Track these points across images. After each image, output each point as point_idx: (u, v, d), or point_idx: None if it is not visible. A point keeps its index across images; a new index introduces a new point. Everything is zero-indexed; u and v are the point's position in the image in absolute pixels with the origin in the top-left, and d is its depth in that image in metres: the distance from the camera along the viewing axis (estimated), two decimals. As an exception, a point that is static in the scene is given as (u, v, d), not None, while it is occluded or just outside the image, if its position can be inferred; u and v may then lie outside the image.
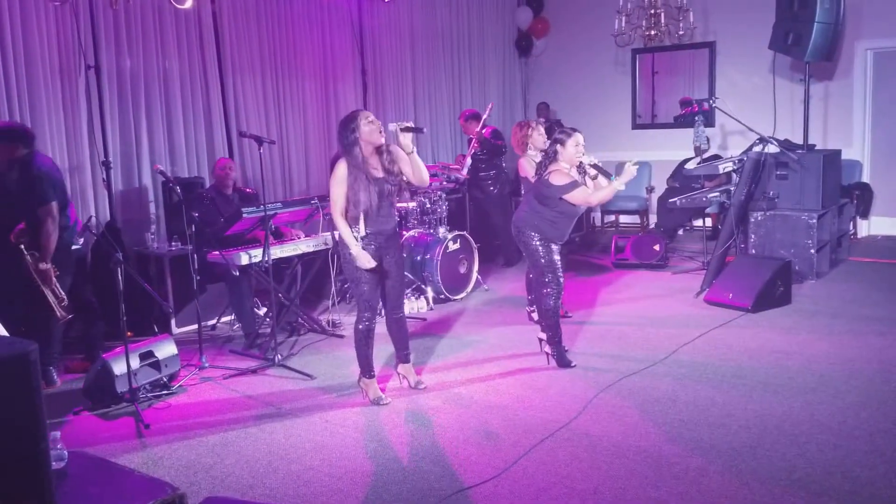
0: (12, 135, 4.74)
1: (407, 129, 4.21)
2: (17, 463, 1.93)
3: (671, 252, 8.13)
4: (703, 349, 5.12)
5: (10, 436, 1.91)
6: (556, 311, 4.87)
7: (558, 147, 4.74)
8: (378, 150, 4.24)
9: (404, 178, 4.32)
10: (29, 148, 4.74)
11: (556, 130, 4.85)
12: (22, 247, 4.66)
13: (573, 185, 4.67)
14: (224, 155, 6.95)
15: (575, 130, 4.82)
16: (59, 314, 4.70)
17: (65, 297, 4.74)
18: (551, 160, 4.77)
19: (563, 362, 4.87)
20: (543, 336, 5.00)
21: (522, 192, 5.90)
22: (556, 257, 4.82)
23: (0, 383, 1.89)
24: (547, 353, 4.93)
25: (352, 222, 4.22)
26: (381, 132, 4.20)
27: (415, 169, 4.26)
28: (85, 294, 5.21)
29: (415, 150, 4.25)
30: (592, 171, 4.83)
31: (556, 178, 4.69)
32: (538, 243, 4.79)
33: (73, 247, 5.03)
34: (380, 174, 4.23)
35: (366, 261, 4.18)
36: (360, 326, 4.38)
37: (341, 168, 4.19)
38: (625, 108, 10.24)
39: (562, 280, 4.86)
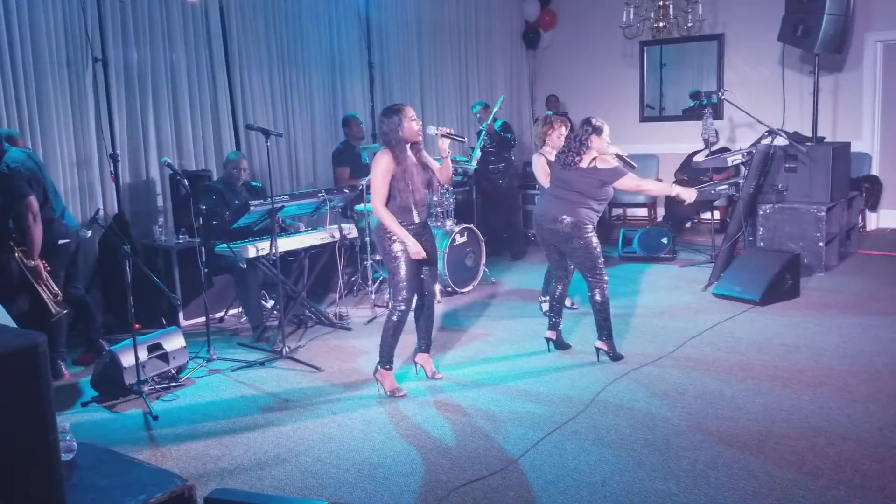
0: None
1: (447, 136, 4.33)
2: (26, 454, 1.93)
3: (679, 245, 8.11)
4: (712, 342, 5.11)
5: (20, 427, 1.92)
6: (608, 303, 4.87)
7: (594, 137, 4.70)
8: (414, 144, 4.31)
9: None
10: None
11: (590, 119, 4.79)
12: (12, 244, 4.63)
13: (619, 171, 4.68)
14: (231, 148, 6.96)
15: (603, 123, 4.82)
16: (53, 310, 4.68)
17: (59, 291, 4.73)
18: (585, 148, 4.71)
19: (616, 356, 4.85)
20: (552, 336, 5.02)
21: (537, 187, 5.91)
22: (595, 239, 4.81)
23: (9, 375, 1.90)
24: (598, 349, 4.87)
25: (401, 213, 4.26)
26: (419, 132, 4.28)
27: (444, 170, 4.39)
28: (76, 289, 5.18)
29: (449, 154, 4.36)
30: (618, 162, 4.81)
31: (603, 165, 4.69)
32: (592, 235, 4.74)
33: (62, 241, 4.94)
34: (416, 162, 4.30)
35: (421, 250, 4.24)
36: (395, 317, 4.37)
37: (385, 159, 4.22)
38: (633, 100, 10.19)
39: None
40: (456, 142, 4.47)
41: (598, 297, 4.79)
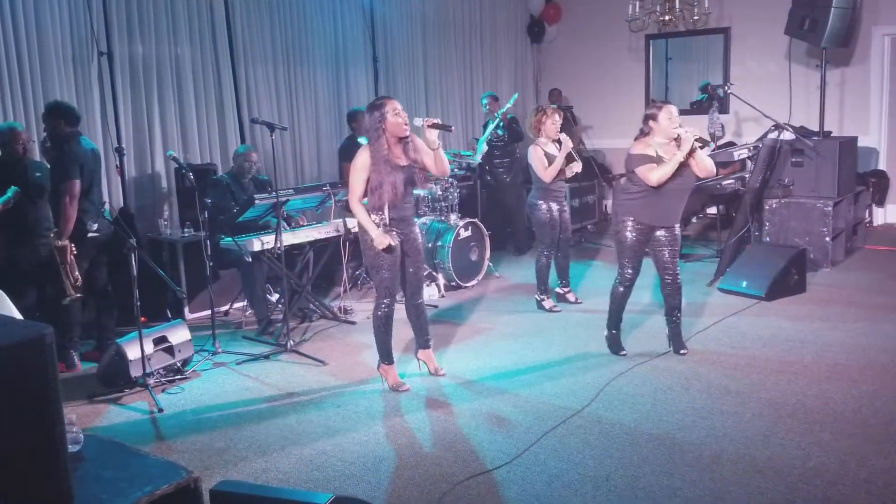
0: (57, 111, 4.91)
1: (434, 126, 4.19)
2: (32, 446, 1.94)
3: (685, 239, 8.07)
4: (717, 337, 5.10)
5: (26, 419, 1.92)
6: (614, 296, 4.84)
7: (651, 122, 4.44)
8: (402, 139, 4.22)
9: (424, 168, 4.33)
10: (73, 127, 4.90)
11: (653, 100, 4.62)
12: (46, 231, 4.78)
13: (640, 159, 4.41)
14: (237, 141, 6.96)
15: (666, 103, 4.54)
16: (69, 293, 4.73)
17: (79, 277, 4.78)
18: (645, 135, 4.49)
19: (616, 349, 4.87)
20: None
21: (533, 181, 5.88)
22: (631, 236, 4.56)
23: (16, 366, 1.90)
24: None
25: (375, 210, 4.22)
26: (405, 125, 4.16)
27: (437, 162, 4.26)
28: (100, 281, 5.22)
29: (440, 145, 4.23)
30: (696, 144, 4.38)
31: (633, 149, 4.47)
32: (623, 227, 4.58)
33: (90, 233, 5.02)
34: (403, 162, 4.21)
35: (387, 240, 4.16)
36: (379, 313, 4.38)
37: (363, 156, 4.19)
38: (638, 94, 10.15)
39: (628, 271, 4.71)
40: (446, 132, 4.30)
41: (613, 290, 4.83)
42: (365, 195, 4.23)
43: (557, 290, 6.16)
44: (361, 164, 4.18)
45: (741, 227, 6.76)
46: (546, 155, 5.72)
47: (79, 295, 4.83)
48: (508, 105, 7.27)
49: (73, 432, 2.54)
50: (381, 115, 4.13)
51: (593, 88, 10.34)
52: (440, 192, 6.76)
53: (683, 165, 4.42)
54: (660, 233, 4.62)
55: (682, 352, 4.77)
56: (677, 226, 4.68)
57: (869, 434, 3.57)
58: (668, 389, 4.23)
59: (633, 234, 4.59)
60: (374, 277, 4.39)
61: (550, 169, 5.68)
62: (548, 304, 5.94)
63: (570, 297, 6.14)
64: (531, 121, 5.82)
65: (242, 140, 7.09)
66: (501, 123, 7.69)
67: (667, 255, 4.68)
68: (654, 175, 4.37)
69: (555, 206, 5.84)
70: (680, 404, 4.02)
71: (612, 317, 4.87)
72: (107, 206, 5.82)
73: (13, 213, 4.79)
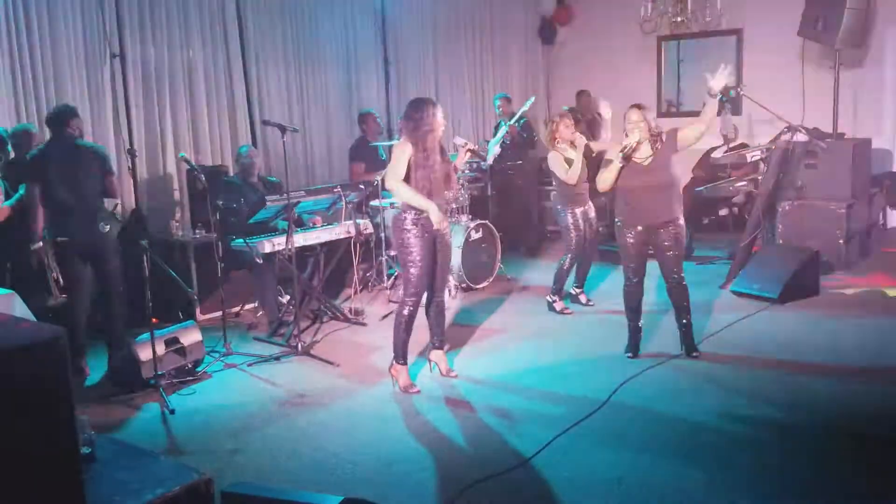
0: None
1: (471, 152, 4.47)
2: (45, 447, 1.94)
3: (696, 242, 8.03)
4: (730, 340, 5.06)
5: (39, 421, 1.93)
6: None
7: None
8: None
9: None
10: (51, 127, 4.83)
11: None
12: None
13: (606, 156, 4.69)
14: (248, 143, 6.97)
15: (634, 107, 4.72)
16: (53, 294, 4.74)
17: (59, 279, 4.76)
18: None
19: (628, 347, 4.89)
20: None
21: (554, 183, 5.91)
22: (627, 237, 4.66)
23: (30, 368, 1.91)
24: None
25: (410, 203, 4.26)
26: (443, 127, 4.35)
27: (450, 179, 4.46)
28: (101, 285, 5.12)
29: (465, 169, 4.40)
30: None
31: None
32: (618, 230, 4.74)
33: (58, 238, 4.95)
34: (439, 160, 4.32)
35: (442, 218, 4.25)
36: (405, 311, 4.36)
37: (408, 145, 4.25)
38: (650, 96, 10.10)
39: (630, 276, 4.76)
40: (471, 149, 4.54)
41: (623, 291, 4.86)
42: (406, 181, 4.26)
43: (571, 290, 6.14)
44: (406, 150, 4.24)
45: (754, 230, 6.71)
46: (566, 160, 5.72)
47: (63, 297, 4.81)
48: (524, 109, 7.22)
49: (85, 434, 2.55)
50: (432, 113, 4.25)
51: (604, 90, 10.20)
52: (451, 195, 6.74)
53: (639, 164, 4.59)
54: (660, 235, 4.61)
55: (693, 354, 4.74)
56: (678, 228, 4.64)
57: (884, 438, 3.54)
58: (681, 392, 4.20)
59: (629, 236, 4.65)
60: (405, 274, 4.37)
61: (571, 171, 5.67)
62: (559, 305, 5.91)
63: (582, 298, 6.11)
64: (547, 137, 5.84)
65: (254, 142, 7.11)
66: (508, 134, 7.54)
67: (668, 257, 4.66)
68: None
69: (579, 210, 5.83)
70: (693, 406, 3.99)
71: (628, 314, 4.87)
72: (118, 207, 5.83)
73: (25, 213, 4.82)
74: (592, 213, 5.96)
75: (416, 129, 4.23)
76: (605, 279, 6.81)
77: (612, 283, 6.66)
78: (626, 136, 4.58)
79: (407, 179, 4.23)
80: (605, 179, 4.64)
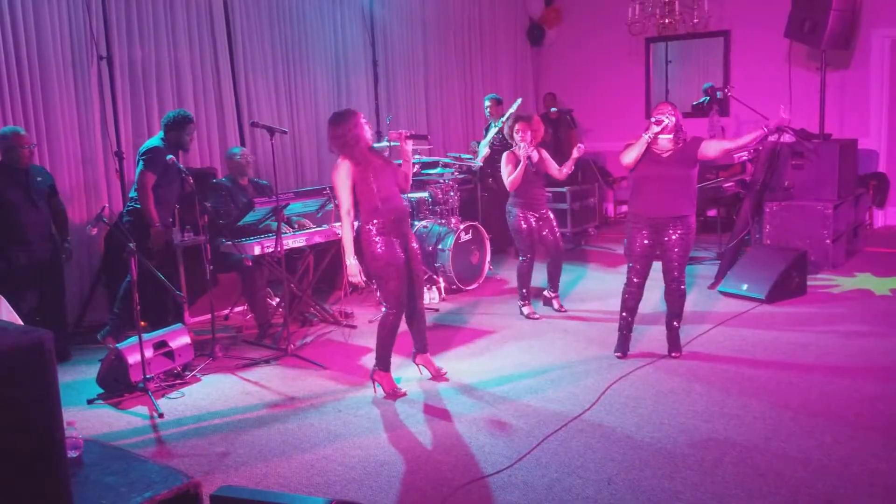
0: None
1: (411, 138, 4.39)
2: (32, 451, 1.93)
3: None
4: (718, 340, 5.09)
5: (26, 424, 1.92)
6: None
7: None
8: (373, 149, 4.38)
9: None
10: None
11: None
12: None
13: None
14: (238, 145, 6.95)
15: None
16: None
17: None
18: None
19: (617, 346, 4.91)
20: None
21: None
22: (636, 239, 4.75)
23: (15, 371, 1.90)
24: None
25: (370, 215, 4.23)
26: (372, 136, 4.37)
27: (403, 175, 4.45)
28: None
29: (413, 158, 4.44)
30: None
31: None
32: (630, 228, 4.83)
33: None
34: (380, 162, 4.31)
35: (356, 273, 4.27)
36: (388, 322, 4.34)
37: (343, 166, 4.22)
38: (638, 97, 10.15)
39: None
40: (420, 140, 4.51)
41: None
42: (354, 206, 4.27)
43: (544, 293, 6.14)
44: (343, 174, 4.22)
45: (742, 230, 6.75)
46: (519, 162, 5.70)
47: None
48: (512, 110, 7.24)
49: (72, 437, 2.54)
50: (355, 121, 4.22)
51: (593, 91, 10.33)
52: (440, 196, 6.75)
53: (659, 156, 4.65)
54: (668, 232, 4.64)
55: (673, 354, 4.79)
56: (687, 229, 4.66)
57: (870, 437, 3.56)
58: (670, 392, 4.22)
59: (636, 234, 4.68)
60: (384, 287, 4.31)
61: (512, 178, 5.69)
62: (527, 310, 5.90)
63: (556, 303, 6.07)
64: (516, 137, 5.74)
65: (242, 144, 7.08)
66: (497, 135, 7.63)
67: (673, 256, 4.69)
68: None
69: (531, 214, 5.82)
70: (681, 407, 4.01)
71: (622, 312, 4.90)
72: (106, 209, 5.80)
73: (14, 216, 4.79)
74: (551, 215, 5.94)
75: (343, 145, 4.23)
76: (591, 281, 6.83)
77: (598, 285, 6.68)
78: (653, 124, 4.61)
79: (360, 197, 4.23)
80: (629, 154, 4.68)
